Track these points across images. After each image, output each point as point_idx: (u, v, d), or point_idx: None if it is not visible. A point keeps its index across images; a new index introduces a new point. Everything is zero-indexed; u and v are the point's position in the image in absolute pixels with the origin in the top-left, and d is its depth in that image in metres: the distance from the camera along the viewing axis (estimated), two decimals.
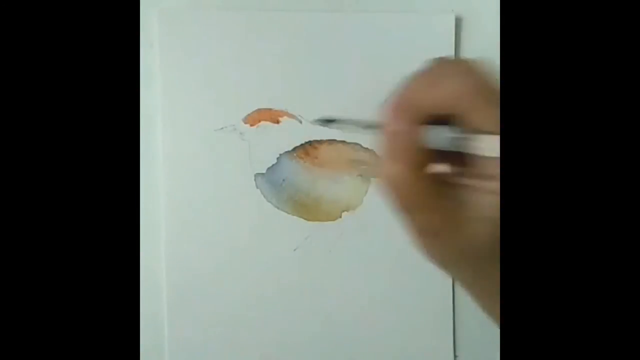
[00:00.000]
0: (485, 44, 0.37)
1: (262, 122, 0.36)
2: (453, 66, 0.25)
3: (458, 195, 0.25)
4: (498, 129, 0.23)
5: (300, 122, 0.36)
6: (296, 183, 0.36)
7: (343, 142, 0.36)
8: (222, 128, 0.35)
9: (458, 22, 0.37)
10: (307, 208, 0.36)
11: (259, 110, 0.36)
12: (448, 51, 0.37)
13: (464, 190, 0.25)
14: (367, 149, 0.36)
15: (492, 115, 0.23)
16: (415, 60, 0.36)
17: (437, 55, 0.38)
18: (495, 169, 0.23)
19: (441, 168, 0.27)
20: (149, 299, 0.36)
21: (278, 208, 0.36)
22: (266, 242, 0.36)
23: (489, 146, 0.23)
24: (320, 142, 0.36)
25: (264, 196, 0.36)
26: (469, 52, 0.37)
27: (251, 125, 0.36)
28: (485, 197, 0.24)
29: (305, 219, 0.36)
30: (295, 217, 0.36)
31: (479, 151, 0.24)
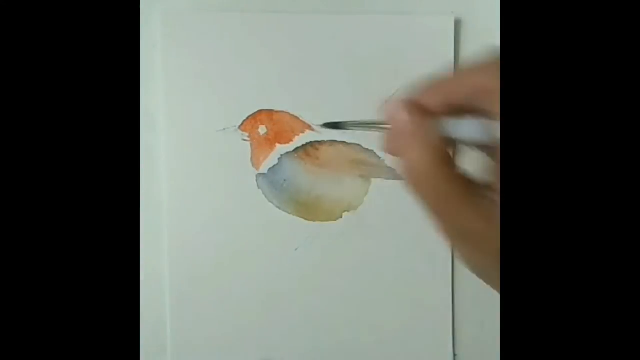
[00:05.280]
0: (484, 46, 0.37)
1: (264, 123, 0.36)
2: (484, 62, 0.24)
3: (492, 197, 0.22)
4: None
5: (301, 123, 0.36)
6: (297, 183, 0.36)
7: (344, 142, 0.36)
8: (224, 129, 0.36)
9: (457, 24, 0.37)
10: (308, 208, 0.36)
11: (260, 112, 0.36)
12: (447, 53, 0.37)
13: (497, 192, 0.22)
14: (367, 149, 0.36)
15: None
16: (415, 61, 0.36)
17: (436, 57, 0.38)
18: None
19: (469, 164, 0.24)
20: (151, 299, 0.36)
21: (279, 208, 0.36)
22: (267, 242, 0.36)
23: None
24: (321, 143, 0.36)
25: (266, 196, 0.36)
26: (468, 54, 0.37)
27: (252, 126, 0.36)
28: None
29: (306, 219, 0.36)
30: (296, 217, 0.36)
31: None
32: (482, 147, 0.23)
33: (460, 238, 0.24)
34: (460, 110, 0.23)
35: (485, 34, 0.37)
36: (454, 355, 0.38)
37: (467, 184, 0.23)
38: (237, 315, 0.36)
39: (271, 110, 0.36)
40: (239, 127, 0.36)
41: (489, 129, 0.22)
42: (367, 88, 0.36)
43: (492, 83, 0.22)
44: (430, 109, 0.24)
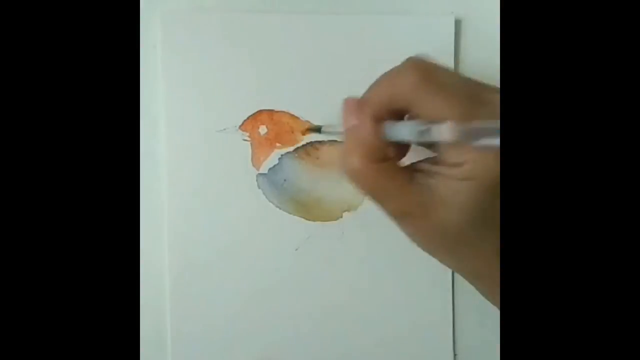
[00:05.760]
0: (485, 47, 0.37)
1: (264, 123, 0.36)
2: (401, 64, 0.27)
3: (426, 182, 0.27)
4: (448, 116, 0.25)
5: (302, 123, 0.36)
6: (297, 183, 0.36)
7: None
8: (224, 129, 0.36)
9: (458, 24, 0.37)
10: (308, 208, 0.36)
11: (260, 112, 0.36)
12: (447, 53, 0.37)
13: (432, 178, 0.26)
14: None
15: (438, 104, 0.25)
16: None
17: (436, 57, 0.38)
18: (456, 157, 0.26)
19: (407, 158, 0.29)
20: (151, 300, 0.36)
21: (279, 208, 0.36)
22: (268, 241, 0.36)
23: (442, 133, 0.24)
24: (321, 142, 0.36)
25: (266, 196, 0.36)
26: (468, 54, 0.37)
27: (253, 126, 0.36)
28: (450, 182, 0.26)
29: (306, 218, 0.37)
30: (296, 217, 0.36)
31: (436, 139, 0.25)
32: (420, 143, 0.27)
33: (397, 220, 0.28)
34: (401, 111, 0.27)
35: (485, 34, 0.37)
36: (454, 355, 0.38)
37: (397, 176, 0.27)
38: (236, 316, 0.36)
39: (271, 110, 0.36)
40: (239, 127, 0.36)
41: (415, 129, 0.25)
42: (367, 88, 0.36)
43: (407, 83, 0.26)
44: (374, 111, 0.27)
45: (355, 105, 0.28)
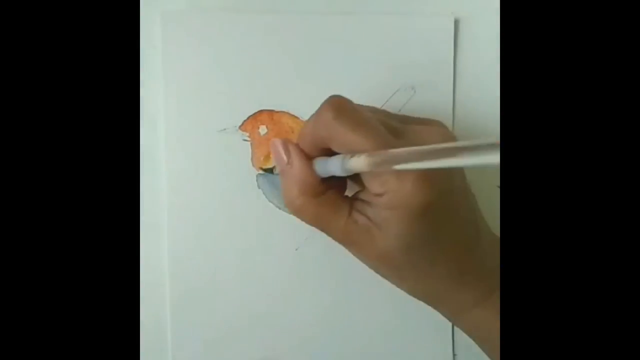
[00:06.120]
0: (484, 47, 0.37)
1: (264, 123, 0.36)
2: (322, 104, 0.28)
3: (365, 211, 0.29)
4: (363, 148, 0.26)
5: (301, 123, 0.36)
6: None
7: None
8: (224, 129, 0.36)
9: (457, 25, 0.37)
10: None
11: (260, 112, 0.36)
12: (447, 53, 0.37)
13: (369, 207, 0.28)
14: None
15: (352, 138, 0.26)
16: (415, 61, 0.37)
17: (436, 57, 0.38)
18: (378, 187, 0.27)
19: (344, 189, 0.31)
20: (151, 299, 0.36)
21: (279, 208, 0.36)
22: (267, 242, 0.36)
23: (357, 164, 0.25)
24: None
25: (266, 196, 0.36)
26: (468, 54, 0.37)
27: (253, 126, 0.36)
28: (380, 211, 0.27)
29: None
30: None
31: (356, 170, 0.26)
32: (349, 177, 0.29)
33: (345, 247, 0.30)
34: (325, 147, 0.28)
35: (484, 34, 0.37)
36: (454, 355, 0.38)
37: (337, 207, 0.29)
38: (237, 315, 0.36)
39: (271, 111, 0.36)
40: (239, 127, 0.36)
41: (342, 163, 0.26)
42: (367, 88, 0.37)
43: (323, 121, 0.27)
44: (304, 149, 0.29)
45: (282, 146, 0.30)
